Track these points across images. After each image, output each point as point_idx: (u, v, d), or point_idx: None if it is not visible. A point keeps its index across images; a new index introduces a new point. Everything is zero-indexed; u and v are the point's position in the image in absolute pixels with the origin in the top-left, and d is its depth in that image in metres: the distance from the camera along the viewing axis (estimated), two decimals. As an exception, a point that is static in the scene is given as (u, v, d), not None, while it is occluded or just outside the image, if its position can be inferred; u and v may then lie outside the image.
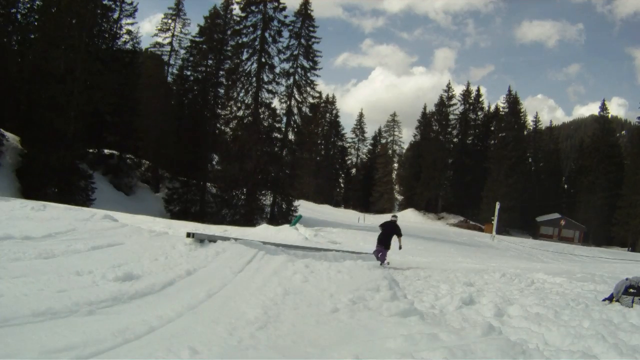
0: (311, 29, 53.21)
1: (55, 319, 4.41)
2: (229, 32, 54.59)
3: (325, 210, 69.50)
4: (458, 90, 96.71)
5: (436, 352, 3.47)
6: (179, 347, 3.88)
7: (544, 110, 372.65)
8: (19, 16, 45.54)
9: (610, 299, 9.84)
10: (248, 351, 3.89)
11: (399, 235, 17.25)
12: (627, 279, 9.84)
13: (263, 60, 49.90)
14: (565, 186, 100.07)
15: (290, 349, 3.94)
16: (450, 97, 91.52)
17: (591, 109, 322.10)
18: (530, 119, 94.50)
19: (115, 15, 49.33)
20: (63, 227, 10.63)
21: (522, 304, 8.17)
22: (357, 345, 3.95)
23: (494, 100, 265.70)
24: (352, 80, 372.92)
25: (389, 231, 17.27)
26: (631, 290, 9.58)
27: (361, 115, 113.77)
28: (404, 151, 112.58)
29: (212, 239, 7.84)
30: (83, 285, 5.80)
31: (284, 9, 50.31)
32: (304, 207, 53.42)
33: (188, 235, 7.88)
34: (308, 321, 4.52)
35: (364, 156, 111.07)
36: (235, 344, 4.03)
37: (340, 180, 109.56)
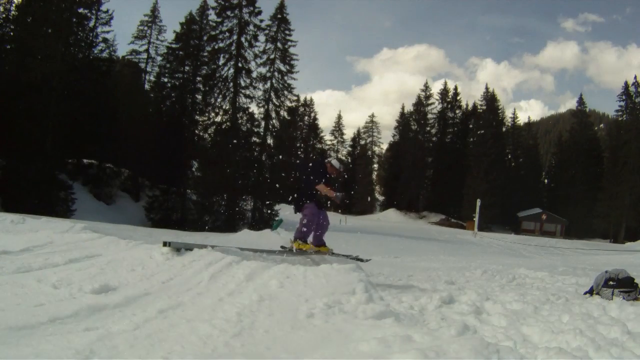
0: (287, 32, 53.41)
1: (32, 334, 4.35)
2: (205, 38, 54.58)
3: (306, 213, 69.31)
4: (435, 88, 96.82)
5: (408, 353, 3.44)
6: (153, 358, 3.85)
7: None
8: (-6, 27, 45.14)
9: (590, 292, 9.88)
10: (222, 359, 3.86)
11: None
12: (606, 272, 9.86)
13: (240, 65, 50.03)
14: (546, 181, 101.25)
15: (264, 356, 3.91)
16: (428, 97, 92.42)
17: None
18: (508, 115, 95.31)
19: (91, 24, 49.11)
20: (41, 240, 10.51)
21: (502, 300, 8.16)
22: (331, 349, 3.93)
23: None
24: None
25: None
26: (611, 282, 9.61)
27: (339, 117, 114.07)
28: (383, 152, 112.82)
29: (189, 247, 7.78)
30: (60, 298, 5.73)
31: (259, 13, 50.53)
32: (285, 211, 53.34)
33: (164, 244, 7.80)
34: (283, 327, 4.48)
35: (344, 158, 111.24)
36: (210, 352, 4.00)
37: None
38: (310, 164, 10.88)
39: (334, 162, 10.75)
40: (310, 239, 10.94)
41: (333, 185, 10.84)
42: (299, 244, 10.83)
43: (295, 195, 10.83)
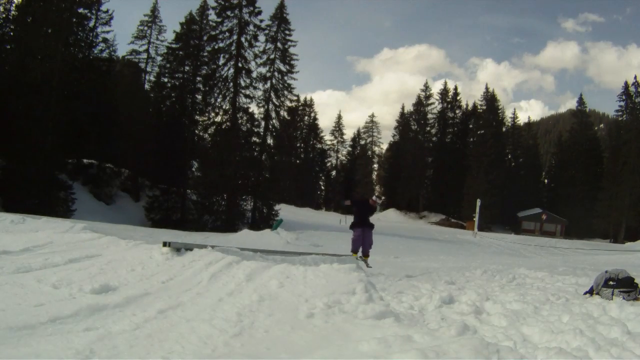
0: (287, 32, 53.43)
1: (32, 334, 4.36)
2: (205, 38, 54.36)
3: (306, 214, 69.38)
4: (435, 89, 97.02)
5: (409, 353, 3.44)
6: (153, 358, 3.85)
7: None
8: (-6, 27, 45.01)
9: (590, 292, 9.85)
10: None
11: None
12: (606, 272, 9.84)
13: (240, 65, 49.91)
14: (546, 181, 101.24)
15: (264, 356, 3.91)
16: (428, 97, 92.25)
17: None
18: (508, 115, 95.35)
19: (91, 24, 49.06)
20: (41, 240, 10.53)
21: (502, 300, 8.16)
22: (331, 349, 3.93)
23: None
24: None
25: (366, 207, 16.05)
26: (610, 282, 9.58)
27: (339, 117, 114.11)
28: (383, 152, 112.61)
29: (189, 247, 7.77)
30: (60, 298, 5.73)
31: (259, 12, 50.40)
32: (285, 211, 53.32)
33: (164, 244, 7.80)
34: (283, 327, 4.48)
35: (344, 158, 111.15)
36: (210, 352, 4.00)
37: (321, 183, 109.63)
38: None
39: (374, 197, 16.79)
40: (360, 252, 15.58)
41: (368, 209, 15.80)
42: (354, 255, 15.35)
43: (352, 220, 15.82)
